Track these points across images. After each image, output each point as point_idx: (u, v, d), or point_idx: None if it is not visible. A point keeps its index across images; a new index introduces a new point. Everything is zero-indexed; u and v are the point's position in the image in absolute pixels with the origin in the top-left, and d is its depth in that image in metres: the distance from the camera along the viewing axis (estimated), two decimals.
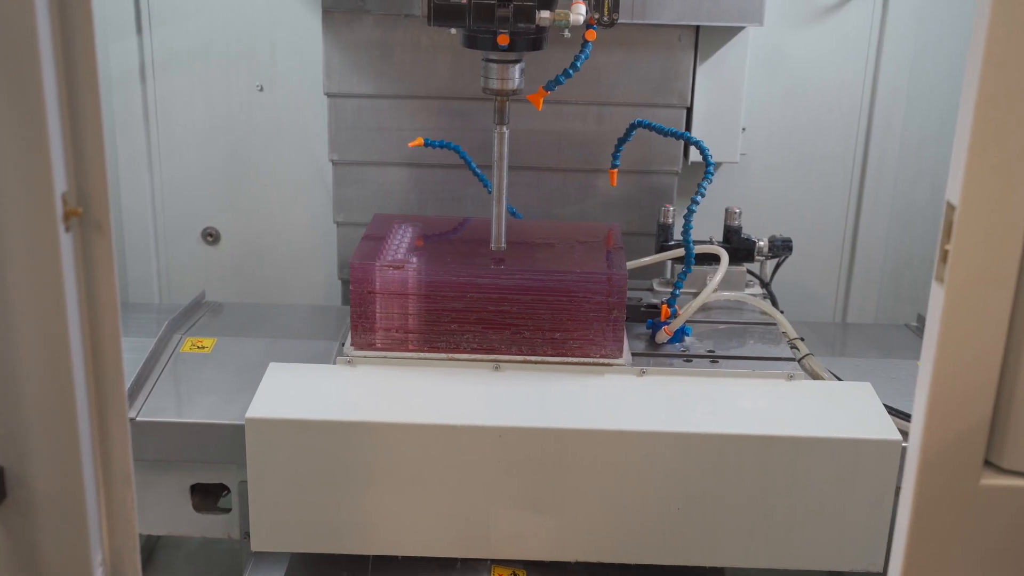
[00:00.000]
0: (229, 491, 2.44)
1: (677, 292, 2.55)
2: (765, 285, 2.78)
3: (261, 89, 3.05)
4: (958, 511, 1.33)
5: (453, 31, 2.29)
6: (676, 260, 2.77)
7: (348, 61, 2.84)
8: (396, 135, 2.90)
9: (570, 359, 2.34)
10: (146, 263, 3.23)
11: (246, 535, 2.41)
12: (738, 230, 2.76)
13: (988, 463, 1.31)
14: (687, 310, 2.48)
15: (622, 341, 2.37)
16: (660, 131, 2.57)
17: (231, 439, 2.26)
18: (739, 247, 2.72)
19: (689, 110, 2.92)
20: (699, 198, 2.52)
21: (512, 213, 2.84)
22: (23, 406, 1.30)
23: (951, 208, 1.22)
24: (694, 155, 2.95)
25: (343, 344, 2.42)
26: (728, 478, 2.14)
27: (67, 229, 1.25)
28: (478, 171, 2.79)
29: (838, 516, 2.16)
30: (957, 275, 1.23)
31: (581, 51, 2.28)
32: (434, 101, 2.89)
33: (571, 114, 2.90)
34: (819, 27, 2.99)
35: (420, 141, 2.62)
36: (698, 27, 2.84)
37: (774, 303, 2.70)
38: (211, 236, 3.22)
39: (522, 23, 2.12)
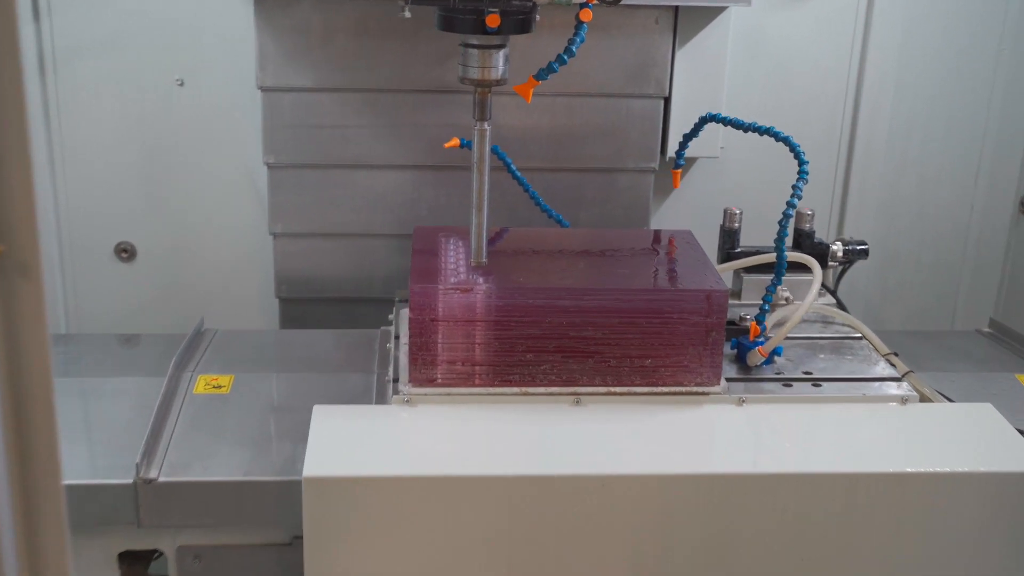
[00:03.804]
0: (161, 554, 2.13)
1: (766, 308, 2.28)
2: (833, 293, 2.55)
3: (182, 83, 2.77)
4: None
5: (408, 14, 1.99)
6: (747, 270, 2.52)
7: (284, 50, 2.60)
8: (339, 133, 2.68)
9: (661, 388, 2.09)
10: (49, 285, 2.86)
11: None
12: (810, 234, 2.50)
13: None
14: (784, 328, 2.22)
15: (720, 367, 2.11)
16: (736, 125, 2.30)
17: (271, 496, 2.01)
18: (811, 253, 2.45)
19: (667, 100, 2.72)
20: (795, 200, 2.24)
21: (559, 221, 2.61)
22: None
23: None
24: (673, 150, 2.74)
25: (395, 380, 2.13)
26: (858, 521, 1.93)
27: None
28: (519, 175, 2.57)
29: (979, 558, 1.97)
30: None
31: (575, 34, 1.99)
32: (382, 95, 2.66)
33: (537, 107, 2.66)
34: (802, 7, 2.81)
35: (456, 142, 2.35)
36: (677, 8, 2.63)
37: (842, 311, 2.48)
38: (126, 252, 2.93)
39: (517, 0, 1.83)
